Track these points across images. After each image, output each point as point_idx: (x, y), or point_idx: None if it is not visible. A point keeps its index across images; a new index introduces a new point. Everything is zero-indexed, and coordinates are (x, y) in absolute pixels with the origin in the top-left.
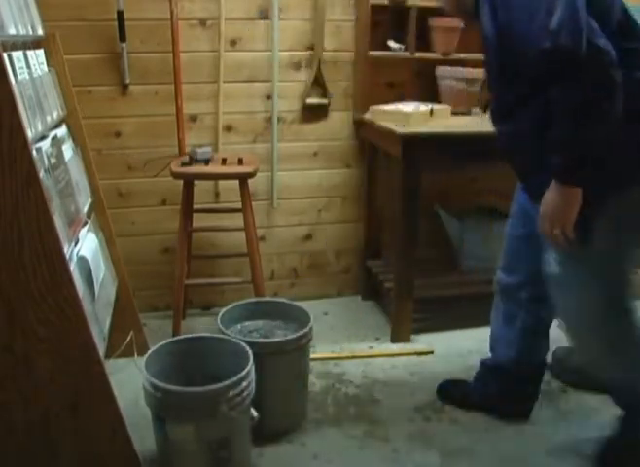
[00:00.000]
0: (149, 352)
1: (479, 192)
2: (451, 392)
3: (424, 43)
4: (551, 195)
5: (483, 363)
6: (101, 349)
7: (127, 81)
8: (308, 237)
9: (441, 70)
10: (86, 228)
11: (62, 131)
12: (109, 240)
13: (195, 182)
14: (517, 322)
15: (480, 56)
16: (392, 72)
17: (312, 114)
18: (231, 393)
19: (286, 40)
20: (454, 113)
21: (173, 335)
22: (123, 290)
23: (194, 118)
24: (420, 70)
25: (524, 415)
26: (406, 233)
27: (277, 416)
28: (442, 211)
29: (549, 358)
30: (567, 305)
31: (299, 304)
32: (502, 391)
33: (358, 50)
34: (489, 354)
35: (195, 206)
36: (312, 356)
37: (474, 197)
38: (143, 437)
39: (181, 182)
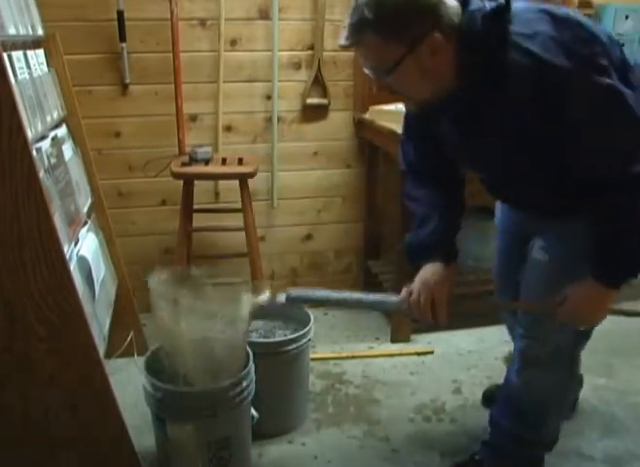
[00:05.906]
0: (149, 352)
1: (478, 192)
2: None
3: None
4: (590, 294)
5: None
6: (101, 349)
7: (127, 81)
8: (308, 237)
9: None
10: (86, 228)
11: (62, 131)
12: (109, 240)
13: (195, 182)
14: None
15: None
16: None
17: (312, 114)
18: (230, 393)
19: (286, 40)
20: None
21: None
22: (123, 290)
23: (194, 118)
24: None
25: None
26: (406, 232)
27: (277, 416)
28: None
29: None
30: None
31: None
32: None
33: None
34: None
35: (195, 206)
36: (312, 356)
37: (473, 197)
38: (143, 437)
39: (181, 182)
